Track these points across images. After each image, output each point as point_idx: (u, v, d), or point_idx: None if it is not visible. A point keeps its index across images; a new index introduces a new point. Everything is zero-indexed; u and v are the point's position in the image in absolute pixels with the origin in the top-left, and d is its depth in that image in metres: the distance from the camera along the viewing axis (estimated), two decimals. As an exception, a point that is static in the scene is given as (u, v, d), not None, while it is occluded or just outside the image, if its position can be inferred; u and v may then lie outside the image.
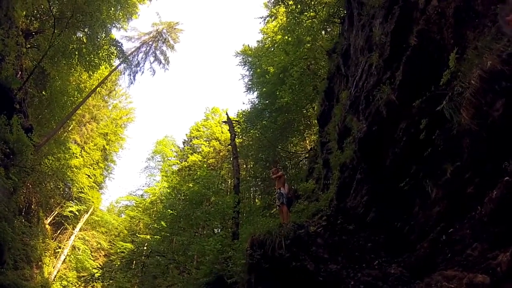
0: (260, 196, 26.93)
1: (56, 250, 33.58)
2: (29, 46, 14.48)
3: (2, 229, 11.24)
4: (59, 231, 35.32)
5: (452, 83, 5.29)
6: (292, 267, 7.35)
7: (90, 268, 37.64)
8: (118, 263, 36.46)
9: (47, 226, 31.57)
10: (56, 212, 33.93)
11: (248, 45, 34.17)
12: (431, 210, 5.67)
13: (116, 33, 27.56)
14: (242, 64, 32.79)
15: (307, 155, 21.64)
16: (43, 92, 18.82)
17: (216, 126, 42.10)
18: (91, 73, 23.76)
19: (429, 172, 5.78)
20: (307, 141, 25.10)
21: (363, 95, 8.57)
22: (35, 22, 15.25)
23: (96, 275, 35.95)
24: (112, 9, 20.84)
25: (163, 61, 35.76)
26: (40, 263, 26.79)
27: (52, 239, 33.53)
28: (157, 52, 35.64)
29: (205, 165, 35.09)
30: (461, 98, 4.86)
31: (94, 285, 38.35)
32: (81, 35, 18.92)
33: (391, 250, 6.76)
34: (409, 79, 6.61)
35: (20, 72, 10.28)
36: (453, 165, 5.17)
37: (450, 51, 5.46)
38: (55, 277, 31.39)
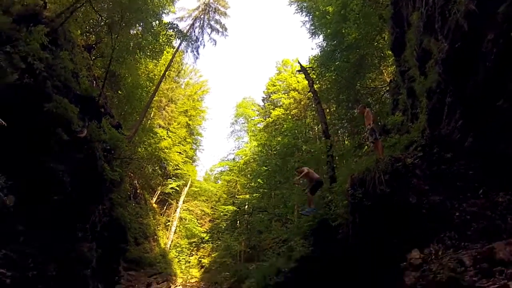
0: (349, 138, 26.49)
1: (166, 224, 37.79)
2: (94, 57, 16.06)
3: (121, 214, 13.20)
4: (165, 207, 39.43)
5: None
6: (395, 202, 7.20)
7: (198, 233, 41.73)
8: (224, 225, 39.52)
9: (154, 205, 35.58)
10: (159, 192, 37.78)
11: (300, -11, 32.66)
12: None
13: (167, 19, 28.56)
14: (299, 11, 31.36)
15: (388, 88, 20.52)
16: (119, 92, 20.69)
17: (291, 77, 41.30)
18: (156, 61, 25.19)
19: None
20: (385, 74, 23.79)
21: (437, 12, 7.69)
22: (91, 36, 16.82)
23: (205, 238, 39.90)
24: (156, -3, 21.77)
25: (220, 29, 35.99)
26: (155, 237, 30.67)
27: (161, 215, 37.73)
28: (212, 23, 35.94)
29: (289, 117, 35.18)
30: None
31: (204, 246, 42.83)
32: (137, 31, 20.07)
33: (496, 177, 6.08)
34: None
35: (94, 81, 11.65)
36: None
37: None
38: (170, 246, 35.60)
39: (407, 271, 6.38)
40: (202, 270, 41.45)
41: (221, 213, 42.23)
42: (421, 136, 8.87)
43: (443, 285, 5.26)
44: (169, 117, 40.94)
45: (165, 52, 26.14)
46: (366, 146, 16.78)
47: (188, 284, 38.56)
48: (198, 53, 35.14)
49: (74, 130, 7.59)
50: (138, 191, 28.24)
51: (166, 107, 40.50)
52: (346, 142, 25.49)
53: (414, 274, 6.17)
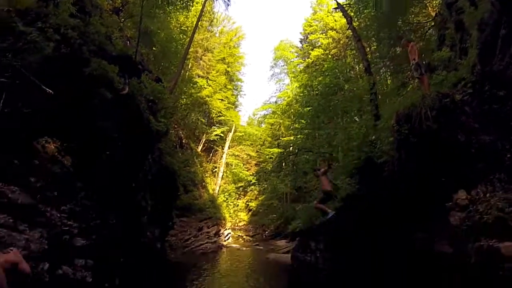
0: (391, 77, 25.65)
1: (214, 170, 39.29)
2: (123, 19, 16.25)
3: (170, 162, 13.92)
4: (211, 154, 40.83)
5: None
6: (442, 139, 7.06)
7: (245, 177, 43.35)
8: (270, 167, 40.70)
9: (200, 153, 36.83)
10: (204, 140, 38.85)
11: None
12: None
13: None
14: None
15: (433, 23, 19.26)
16: (154, 48, 20.81)
17: (327, 16, 39.74)
18: (187, 13, 25.07)
19: None
20: (429, 8, 22.12)
21: None
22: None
23: (252, 181, 41.43)
24: None
25: (249, -28, 34.71)
26: (203, 183, 31.88)
27: (208, 162, 39.17)
28: (241, -35, 34.55)
29: (329, 57, 34.59)
30: None
31: (251, 189, 44.57)
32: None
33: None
34: None
35: (128, 42, 11.96)
36: None
37: None
38: (218, 191, 37.00)
39: (453, 211, 6.43)
40: (250, 213, 43.65)
41: (266, 156, 43.35)
42: (471, 72, 8.30)
43: (490, 226, 5.28)
44: (207, 66, 41.13)
45: (194, 3, 25.75)
46: (410, 85, 16.20)
47: (236, 227, 41.00)
48: (228, 0, 34.31)
49: (116, 88, 7.99)
50: (183, 141, 29.34)
51: (203, 56, 40.58)
52: (389, 82, 24.55)
53: (460, 214, 6.23)
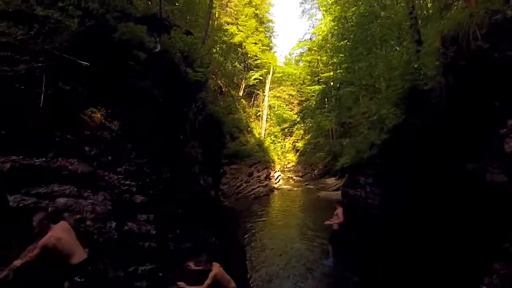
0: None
1: (257, 114, 39.56)
2: None
3: (213, 110, 14.11)
4: (253, 99, 40.90)
5: None
6: (494, 60, 6.60)
7: (289, 117, 43.35)
8: (313, 103, 40.36)
9: (241, 99, 36.99)
10: (243, 85, 38.71)
11: None
12: None
13: None
14: None
15: None
16: (176, 4, 20.37)
17: None
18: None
19: None
20: None
21: None
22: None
23: (297, 120, 41.36)
24: None
25: None
26: (249, 129, 32.32)
27: (250, 107, 39.42)
28: None
29: None
30: None
31: (297, 128, 44.61)
32: None
33: None
34: None
35: (149, 2, 11.75)
36: None
37: None
38: (264, 135, 37.47)
39: (508, 138, 6.10)
40: (297, 153, 44.15)
41: (308, 94, 42.87)
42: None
43: None
44: (235, 12, 39.81)
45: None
46: (454, 7, 14.78)
47: (286, 169, 41.79)
48: None
49: (148, 48, 8.09)
50: (223, 89, 29.47)
51: (229, 3, 39.19)
52: (429, 5, 22.51)
53: None
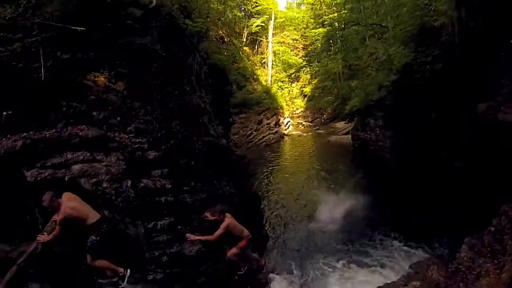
0: None
1: (262, 62, 38.72)
2: None
3: (218, 59, 13.88)
4: (256, 46, 39.89)
5: None
6: None
7: (295, 62, 42.42)
8: (318, 45, 39.33)
9: (245, 48, 35.96)
10: (246, 34, 37.61)
11: None
12: None
13: None
14: None
15: None
16: None
17: None
18: None
19: None
20: None
21: None
22: None
23: (303, 64, 40.46)
24: None
25: None
26: (255, 76, 31.74)
27: (254, 55, 38.50)
28: None
29: None
30: None
31: (304, 72, 43.75)
32: None
33: None
34: None
35: None
36: None
37: None
38: (270, 82, 36.94)
39: None
40: (305, 98, 43.71)
41: (313, 38, 41.63)
42: None
43: None
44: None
45: None
46: None
47: (295, 115, 41.62)
48: None
49: (143, 3, 7.87)
50: (225, 39, 28.70)
51: None
52: None
53: None
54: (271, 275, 7.67)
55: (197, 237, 6.12)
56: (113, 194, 5.45)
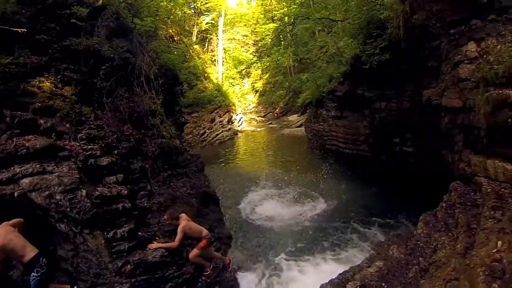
0: None
1: (212, 59, 38.33)
2: None
3: (167, 58, 13.62)
4: (206, 44, 39.41)
5: None
6: None
7: (245, 58, 42.56)
8: (268, 41, 39.64)
9: (195, 46, 35.44)
10: (196, 32, 37.11)
11: None
12: None
13: None
14: None
15: None
16: None
17: None
18: None
19: None
20: None
21: None
22: None
23: (253, 60, 40.69)
24: None
25: None
26: (205, 74, 31.52)
27: (205, 53, 38.06)
28: None
29: None
30: None
31: (255, 67, 43.94)
32: None
33: None
34: None
35: None
36: None
37: None
38: (221, 79, 36.59)
39: (462, 63, 6.39)
40: (257, 94, 44.01)
41: (263, 34, 41.89)
42: None
43: (499, 76, 5.33)
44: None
45: None
46: None
47: (247, 110, 41.79)
48: None
49: (88, 2, 7.61)
50: (175, 38, 28.15)
51: None
52: None
53: (469, 66, 6.21)
54: (238, 273, 7.71)
55: (159, 245, 6.02)
56: (68, 206, 5.18)
